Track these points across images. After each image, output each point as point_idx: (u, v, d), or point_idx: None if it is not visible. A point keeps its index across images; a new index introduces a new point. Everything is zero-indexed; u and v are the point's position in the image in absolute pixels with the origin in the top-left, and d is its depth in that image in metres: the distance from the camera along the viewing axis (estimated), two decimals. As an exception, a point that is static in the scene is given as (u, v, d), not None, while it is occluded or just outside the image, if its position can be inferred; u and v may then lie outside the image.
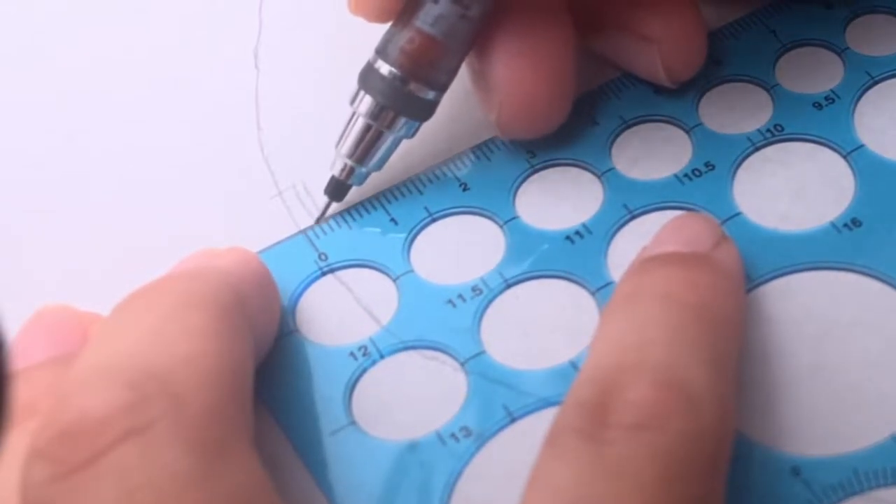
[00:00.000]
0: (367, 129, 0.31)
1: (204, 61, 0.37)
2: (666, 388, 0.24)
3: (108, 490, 0.22)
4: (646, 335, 0.26)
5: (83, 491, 0.22)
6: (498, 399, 0.28)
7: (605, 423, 0.24)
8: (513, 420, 0.28)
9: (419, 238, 0.31)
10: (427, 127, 0.32)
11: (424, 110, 0.31)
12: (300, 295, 0.30)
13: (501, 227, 0.31)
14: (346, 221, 0.32)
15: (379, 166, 0.32)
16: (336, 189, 0.32)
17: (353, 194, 0.32)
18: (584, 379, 0.25)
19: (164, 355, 0.24)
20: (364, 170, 0.32)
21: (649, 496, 0.23)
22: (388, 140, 0.31)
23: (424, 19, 0.30)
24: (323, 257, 0.31)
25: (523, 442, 0.27)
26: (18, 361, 0.25)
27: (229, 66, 0.36)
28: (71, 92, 0.36)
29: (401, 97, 0.31)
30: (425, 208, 0.32)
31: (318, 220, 0.32)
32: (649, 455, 0.23)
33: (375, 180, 0.32)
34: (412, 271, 0.31)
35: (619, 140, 0.33)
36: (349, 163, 0.31)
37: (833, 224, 0.30)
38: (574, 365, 0.28)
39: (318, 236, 0.31)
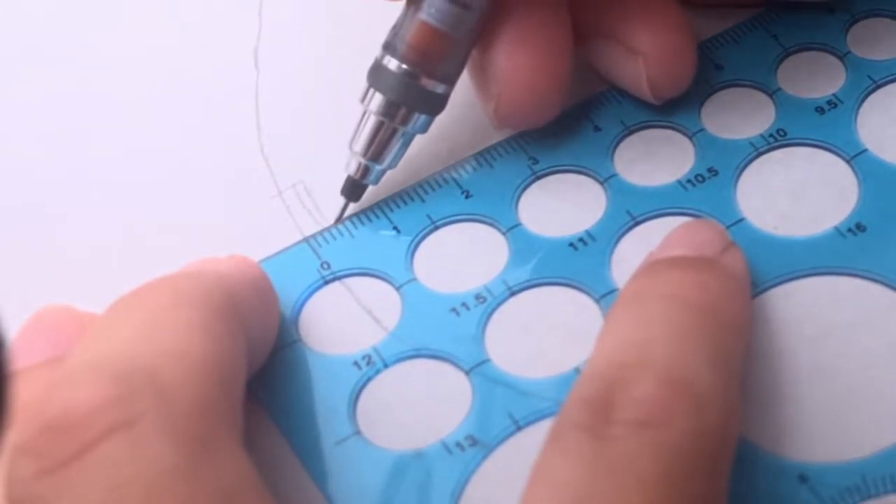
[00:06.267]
0: (379, 126, 0.31)
1: (204, 61, 0.37)
2: (670, 386, 0.24)
3: (95, 484, 0.22)
4: (651, 333, 0.26)
5: (70, 486, 0.22)
6: (503, 407, 0.28)
7: (609, 420, 0.24)
8: (518, 428, 0.28)
9: (422, 246, 0.31)
10: (429, 134, 0.31)
11: (435, 104, 0.31)
12: (303, 304, 0.30)
13: (504, 234, 0.31)
14: (348, 230, 0.32)
15: (394, 163, 0.32)
16: (352, 189, 0.32)
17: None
18: (589, 375, 0.25)
19: (152, 350, 0.24)
20: (380, 167, 0.31)
21: (651, 493, 0.23)
22: (401, 136, 0.31)
23: (429, 11, 0.30)
24: (325, 266, 0.31)
25: (529, 450, 0.27)
26: (18, 361, 0.25)
27: (229, 66, 0.36)
28: (71, 92, 0.36)
29: (411, 92, 0.30)
30: (428, 216, 0.32)
31: (337, 221, 0.32)
32: (652, 452, 0.23)
33: (376, 189, 0.32)
34: (415, 279, 0.31)
35: (621, 146, 0.33)
36: (364, 161, 0.31)
37: (837, 229, 0.30)
38: (579, 372, 0.28)
39: (320, 245, 0.31)
